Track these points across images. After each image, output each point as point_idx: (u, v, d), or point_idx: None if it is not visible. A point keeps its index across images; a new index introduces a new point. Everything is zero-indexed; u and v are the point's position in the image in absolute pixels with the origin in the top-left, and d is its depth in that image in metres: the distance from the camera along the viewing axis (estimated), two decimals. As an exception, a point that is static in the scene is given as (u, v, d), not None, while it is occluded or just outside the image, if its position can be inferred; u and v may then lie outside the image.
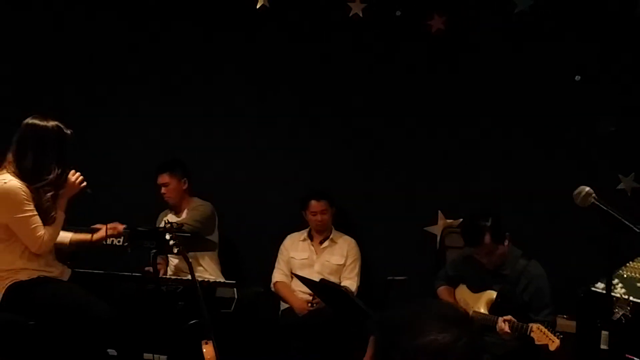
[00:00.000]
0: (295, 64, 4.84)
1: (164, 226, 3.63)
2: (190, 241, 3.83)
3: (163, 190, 4.57)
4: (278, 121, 4.89)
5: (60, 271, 3.56)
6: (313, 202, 4.45)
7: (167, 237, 3.51)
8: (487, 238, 3.59)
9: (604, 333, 2.37)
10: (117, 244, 3.83)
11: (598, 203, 2.44)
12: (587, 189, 2.56)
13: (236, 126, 4.95)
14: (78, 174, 3.53)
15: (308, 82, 4.84)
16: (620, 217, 2.36)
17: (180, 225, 3.69)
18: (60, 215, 3.47)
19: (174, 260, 4.54)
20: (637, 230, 2.34)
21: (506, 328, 3.48)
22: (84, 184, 3.54)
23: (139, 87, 5.00)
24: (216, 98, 4.94)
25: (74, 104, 4.89)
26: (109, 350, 4.54)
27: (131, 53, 4.98)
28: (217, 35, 4.90)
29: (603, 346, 2.33)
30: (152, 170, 4.61)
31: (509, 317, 3.50)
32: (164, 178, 4.56)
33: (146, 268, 4.05)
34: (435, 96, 4.63)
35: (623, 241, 2.90)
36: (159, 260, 4.58)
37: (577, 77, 4.29)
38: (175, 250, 3.53)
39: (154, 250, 3.68)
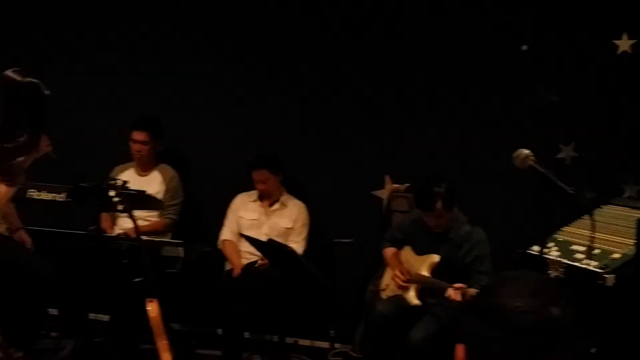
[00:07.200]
0: (244, 29, 4.81)
1: (109, 183, 3.53)
2: (135, 199, 3.76)
3: (138, 147, 4.47)
4: (229, 84, 4.87)
5: (4, 228, 3.48)
6: (253, 172, 4.41)
7: (111, 194, 3.43)
8: (440, 204, 3.64)
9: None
10: (60, 200, 3.75)
11: (536, 165, 2.53)
12: (527, 151, 2.65)
13: (190, 89, 4.93)
14: (46, 137, 3.42)
15: (257, 47, 4.81)
16: (555, 179, 2.44)
17: (125, 183, 3.60)
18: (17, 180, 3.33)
19: (125, 221, 4.46)
20: (570, 192, 2.43)
21: (458, 297, 3.46)
22: (50, 147, 3.44)
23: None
24: (169, 59, 4.92)
25: (44, 55, 4.89)
26: (50, 309, 4.51)
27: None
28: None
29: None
30: (106, 126, 4.50)
31: (462, 285, 3.48)
32: (144, 136, 4.45)
33: (91, 227, 3.99)
34: (381, 61, 4.64)
35: (560, 206, 3.03)
36: (107, 219, 4.54)
37: (524, 47, 4.32)
38: (120, 208, 3.44)
39: (97, 207, 3.61)
